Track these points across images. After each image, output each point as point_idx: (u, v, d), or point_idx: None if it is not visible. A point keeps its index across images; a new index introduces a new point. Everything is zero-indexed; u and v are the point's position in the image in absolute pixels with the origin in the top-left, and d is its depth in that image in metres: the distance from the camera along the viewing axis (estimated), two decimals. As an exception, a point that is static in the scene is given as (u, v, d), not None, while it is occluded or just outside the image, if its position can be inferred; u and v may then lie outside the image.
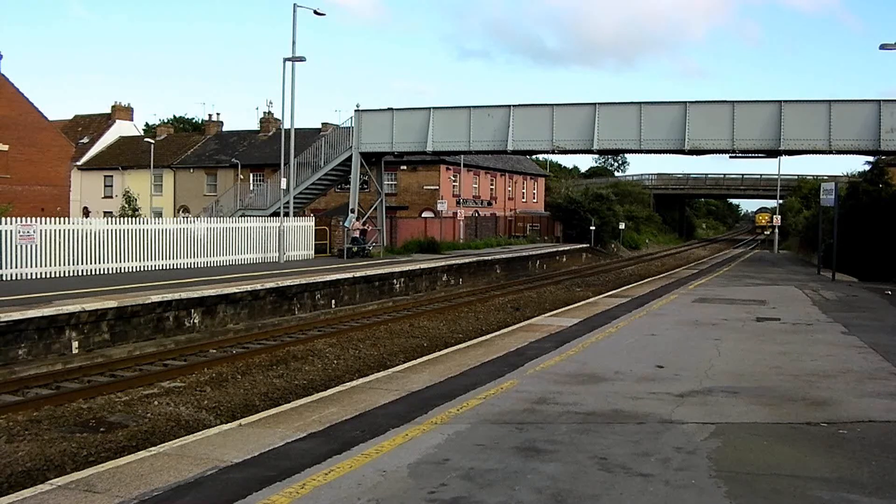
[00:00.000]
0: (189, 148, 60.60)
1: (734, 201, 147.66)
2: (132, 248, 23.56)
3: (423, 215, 47.68)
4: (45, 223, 21.13)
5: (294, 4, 29.74)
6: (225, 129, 63.09)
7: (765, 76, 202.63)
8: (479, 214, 54.08)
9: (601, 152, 32.64)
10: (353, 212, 33.23)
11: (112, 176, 60.27)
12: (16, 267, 20.19)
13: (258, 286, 20.08)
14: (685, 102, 29.13)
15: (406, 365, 10.81)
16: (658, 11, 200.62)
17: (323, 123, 53.90)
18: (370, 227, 35.33)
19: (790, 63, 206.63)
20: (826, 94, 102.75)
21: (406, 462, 6.21)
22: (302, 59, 29.49)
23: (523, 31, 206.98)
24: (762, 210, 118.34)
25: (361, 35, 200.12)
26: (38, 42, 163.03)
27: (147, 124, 78.06)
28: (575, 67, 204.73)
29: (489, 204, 57.23)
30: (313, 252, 31.87)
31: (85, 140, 61.87)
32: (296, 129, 31.98)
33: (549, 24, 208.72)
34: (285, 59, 29.98)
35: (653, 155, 31.81)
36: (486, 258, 35.64)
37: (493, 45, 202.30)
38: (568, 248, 50.70)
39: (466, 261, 33.30)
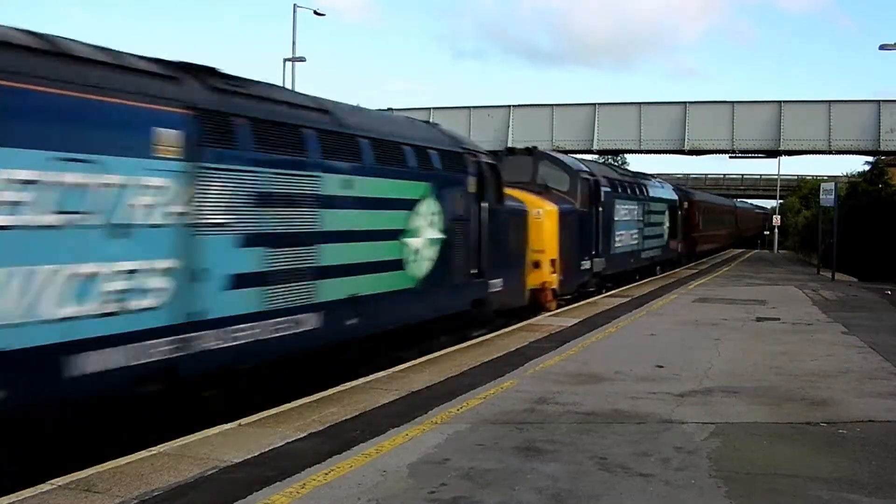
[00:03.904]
0: (189, 148, 60.62)
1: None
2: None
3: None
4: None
5: (294, 5, 29.82)
6: (225, 129, 63.09)
7: (762, 76, 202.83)
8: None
9: (601, 152, 32.69)
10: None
11: (112, 176, 60.26)
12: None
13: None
14: (685, 102, 29.18)
15: (406, 365, 10.80)
16: (651, 11, 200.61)
17: (323, 123, 53.84)
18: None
19: (786, 63, 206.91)
20: (824, 95, 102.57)
21: (406, 462, 6.20)
22: (302, 59, 29.54)
23: (516, 32, 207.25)
24: None
25: (356, 35, 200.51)
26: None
27: (147, 124, 78.05)
28: (571, 67, 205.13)
29: (489, 204, 57.09)
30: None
31: (85, 140, 61.88)
32: (296, 130, 31.95)
33: (541, 24, 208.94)
34: (285, 60, 30.05)
35: (653, 155, 31.85)
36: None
37: (487, 45, 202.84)
38: (568, 248, 50.52)
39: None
